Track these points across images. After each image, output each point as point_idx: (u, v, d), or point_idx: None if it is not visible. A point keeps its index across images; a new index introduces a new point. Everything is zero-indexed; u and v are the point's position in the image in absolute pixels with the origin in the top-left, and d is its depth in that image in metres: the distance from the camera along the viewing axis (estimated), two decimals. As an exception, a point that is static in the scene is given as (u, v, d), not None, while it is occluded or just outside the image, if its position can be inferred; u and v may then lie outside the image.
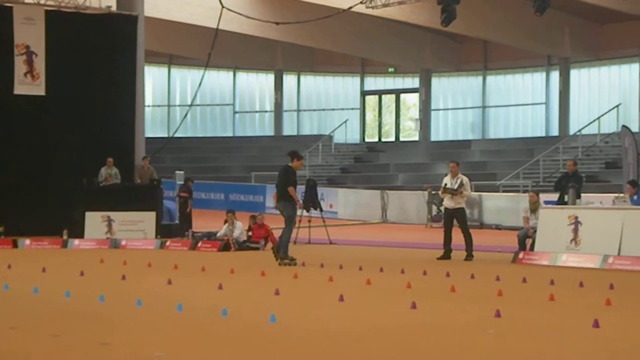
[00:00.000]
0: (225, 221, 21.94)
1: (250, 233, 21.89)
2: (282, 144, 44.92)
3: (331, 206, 35.74)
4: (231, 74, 47.31)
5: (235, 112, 47.51)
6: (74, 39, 25.32)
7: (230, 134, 47.37)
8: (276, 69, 45.89)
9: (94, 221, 23.07)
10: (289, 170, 17.39)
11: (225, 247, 21.09)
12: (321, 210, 23.99)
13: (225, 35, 34.46)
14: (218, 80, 47.33)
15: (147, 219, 23.35)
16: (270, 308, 10.29)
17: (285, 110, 46.62)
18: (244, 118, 47.69)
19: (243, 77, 47.61)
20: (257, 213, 23.50)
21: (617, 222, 17.02)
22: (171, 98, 47.87)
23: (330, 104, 46.58)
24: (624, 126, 30.26)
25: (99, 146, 25.12)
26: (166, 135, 43.95)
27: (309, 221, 23.50)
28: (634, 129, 34.31)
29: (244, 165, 42.75)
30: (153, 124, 46.00)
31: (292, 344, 8.47)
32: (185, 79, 47.79)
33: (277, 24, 30.64)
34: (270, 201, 38.63)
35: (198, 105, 46.74)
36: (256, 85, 47.70)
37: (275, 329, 9.25)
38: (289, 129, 46.71)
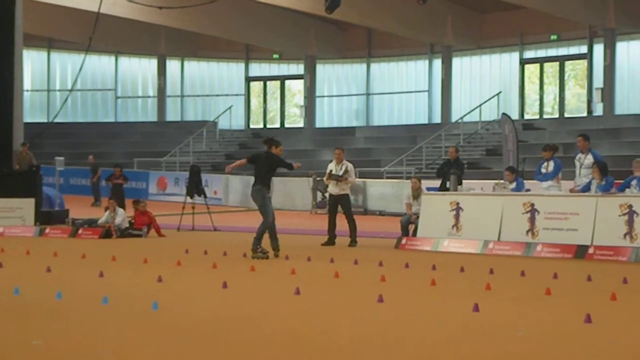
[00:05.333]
0: (107, 208, 21.57)
1: (132, 220, 21.57)
2: (165, 130, 44.54)
3: (215, 193, 35.57)
4: (113, 58, 46.55)
5: (117, 98, 46.80)
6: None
7: (112, 120, 46.67)
8: (159, 54, 45.35)
9: (-30, 208, 22.41)
10: (274, 156, 16.37)
11: (107, 234, 20.74)
12: (205, 196, 23.81)
13: (108, 19, 33.83)
14: (100, 64, 46.53)
15: (25, 206, 22.83)
16: (152, 295, 10.15)
17: (169, 96, 46.13)
18: (126, 103, 47.01)
19: (125, 61, 46.90)
20: (140, 199, 23.16)
21: (497, 208, 17.35)
22: (51, 82, 46.88)
23: (214, 90, 46.27)
24: (504, 114, 30.85)
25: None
26: (46, 121, 43.00)
27: (193, 208, 23.31)
28: (514, 116, 35.09)
29: (126, 151, 42.15)
30: (32, 109, 44.98)
31: (174, 331, 8.36)
32: (66, 63, 46.86)
33: (160, 8, 30.30)
34: (153, 187, 38.36)
35: (79, 90, 45.87)
36: (139, 70, 47.05)
37: (157, 316, 9.12)
38: (172, 115, 46.24)
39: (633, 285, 12.05)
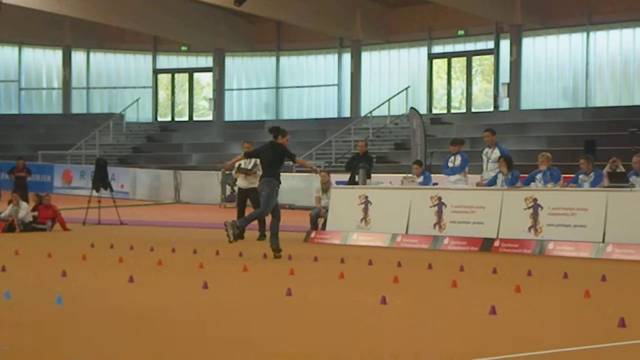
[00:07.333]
0: (10, 201, 21.09)
1: (36, 213, 21.14)
2: (70, 122, 43.77)
3: (122, 186, 35.12)
4: (17, 49, 45.53)
5: (21, 89, 45.78)
6: None
7: (15, 112, 45.66)
8: (64, 45, 44.49)
9: None
10: (279, 146, 15.01)
11: (10, 228, 20.30)
12: (111, 190, 23.49)
13: (10, 9, 33.13)
14: (2, 55, 45.47)
15: None
16: (56, 290, 9.94)
17: (74, 88, 45.29)
18: (30, 95, 46.03)
19: (29, 53, 45.90)
20: (44, 193, 22.71)
21: (405, 201, 17.48)
22: (-48, 73, 45.69)
23: (121, 82, 45.62)
24: (412, 108, 31.05)
25: None
26: (-54, 112, 41.92)
27: (99, 201, 22.97)
28: (422, 111, 35.36)
29: (30, 143, 41.32)
30: None
31: (78, 326, 8.20)
32: (-33, 53, 45.74)
33: (65, -2, 29.72)
34: (58, 181, 37.69)
35: (-19, 81, 44.82)
36: (43, 61, 46.09)
37: (62, 311, 8.95)
38: (78, 107, 45.42)
39: (537, 277, 12.24)
